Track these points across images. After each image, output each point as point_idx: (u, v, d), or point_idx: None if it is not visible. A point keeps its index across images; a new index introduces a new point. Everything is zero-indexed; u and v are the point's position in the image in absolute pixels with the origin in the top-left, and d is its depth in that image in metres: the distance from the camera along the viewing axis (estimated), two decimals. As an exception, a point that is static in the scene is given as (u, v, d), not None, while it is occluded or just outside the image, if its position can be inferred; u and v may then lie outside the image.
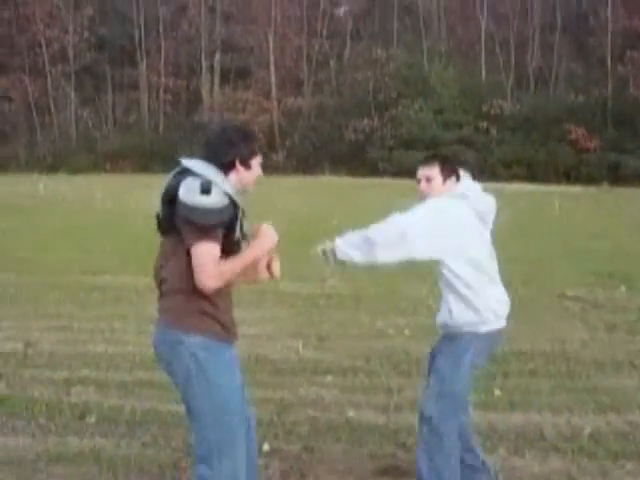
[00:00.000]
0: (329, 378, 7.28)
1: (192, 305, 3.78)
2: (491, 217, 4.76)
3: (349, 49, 62.77)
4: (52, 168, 53.85)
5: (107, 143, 58.12)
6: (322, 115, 58.69)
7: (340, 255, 4.44)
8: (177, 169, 3.82)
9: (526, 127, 54.71)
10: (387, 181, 46.72)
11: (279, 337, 8.89)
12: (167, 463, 5.27)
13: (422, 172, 4.65)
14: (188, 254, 3.70)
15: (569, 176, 52.08)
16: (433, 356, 4.77)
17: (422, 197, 4.64)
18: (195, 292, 3.71)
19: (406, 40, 60.44)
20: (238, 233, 3.85)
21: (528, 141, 54.30)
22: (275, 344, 8.55)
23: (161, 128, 60.88)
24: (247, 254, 3.84)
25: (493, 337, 4.64)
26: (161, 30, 61.34)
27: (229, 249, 3.78)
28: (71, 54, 60.54)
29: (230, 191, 3.73)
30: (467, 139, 54.06)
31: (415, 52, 58.21)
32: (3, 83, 60.74)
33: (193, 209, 3.61)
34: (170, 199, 3.72)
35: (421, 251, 4.43)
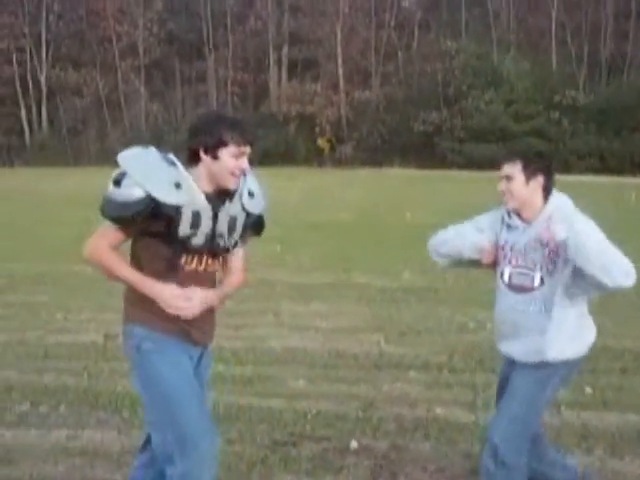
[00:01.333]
0: (412, 374, 7.10)
1: (134, 295, 3.64)
2: None
3: (417, 40, 62.24)
4: (121, 162, 54.28)
5: (177, 136, 58.42)
6: (390, 107, 58.32)
7: None
8: None
9: (599, 118, 53.68)
10: (457, 173, 46.37)
11: (358, 331, 8.74)
12: (253, 460, 5.15)
13: (503, 170, 4.09)
14: (134, 246, 3.63)
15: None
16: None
17: (503, 200, 4.13)
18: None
19: (475, 31, 59.68)
20: (187, 231, 3.53)
21: (601, 132, 53.31)
22: (355, 338, 8.40)
23: (230, 121, 61.04)
24: (142, 282, 3.55)
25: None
26: (229, 24, 61.57)
27: (180, 246, 3.56)
28: (141, 49, 61.24)
29: (153, 184, 3.42)
30: (539, 130, 53.28)
31: (484, 43, 57.49)
32: (75, 78, 61.65)
33: (104, 198, 3.49)
34: None
35: None
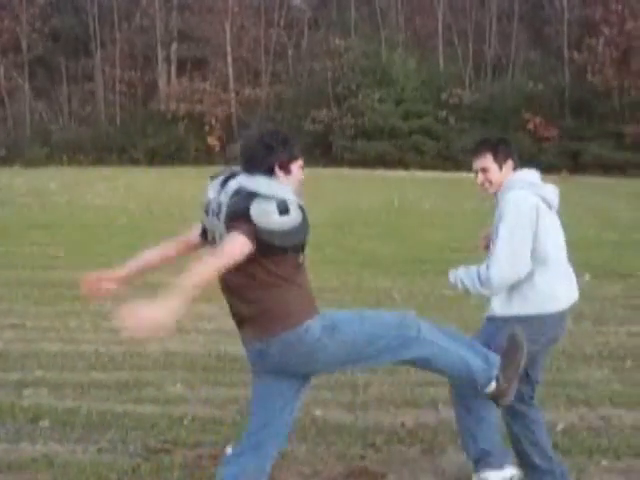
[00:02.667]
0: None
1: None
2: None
3: (307, 39, 62.41)
4: (6, 161, 52.80)
5: (63, 135, 57.12)
6: (280, 106, 58.35)
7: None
8: (231, 187, 3.65)
9: (485, 116, 54.81)
10: (349, 171, 46.63)
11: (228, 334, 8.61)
12: (125, 469, 5.00)
13: (476, 164, 4.57)
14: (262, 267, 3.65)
15: (528, 165, 52.18)
16: None
17: (483, 190, 4.59)
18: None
19: (363, 30, 60.19)
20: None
21: (487, 130, 54.41)
22: (238, 340, 8.26)
23: (117, 120, 60.06)
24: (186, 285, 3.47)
25: None
26: (115, 20, 60.50)
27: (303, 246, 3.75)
28: (24, 44, 59.51)
29: (299, 201, 3.65)
30: (427, 129, 54.11)
31: (373, 42, 58.01)
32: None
33: (273, 232, 3.53)
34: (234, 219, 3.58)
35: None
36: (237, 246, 3.51)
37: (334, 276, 12.07)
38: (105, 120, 60.04)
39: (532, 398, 4.64)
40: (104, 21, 60.67)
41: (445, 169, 48.96)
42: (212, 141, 56.11)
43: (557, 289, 4.43)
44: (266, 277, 3.65)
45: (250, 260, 3.56)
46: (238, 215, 3.55)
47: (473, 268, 4.39)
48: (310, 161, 45.08)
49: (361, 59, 55.76)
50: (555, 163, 49.15)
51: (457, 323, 8.81)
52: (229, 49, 58.58)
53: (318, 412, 6.08)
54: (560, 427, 5.75)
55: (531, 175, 4.56)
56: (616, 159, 49.52)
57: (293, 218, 3.55)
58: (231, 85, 58.79)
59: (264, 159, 3.73)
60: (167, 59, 61.36)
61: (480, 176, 4.54)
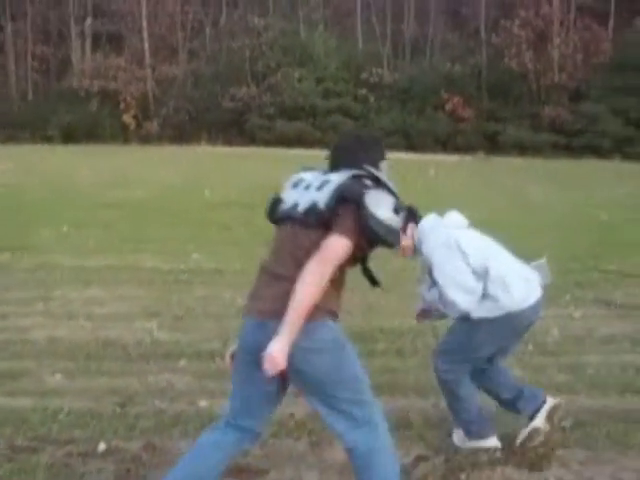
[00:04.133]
0: (182, 363, 6.69)
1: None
2: None
3: (225, 16, 61.53)
4: None
5: (-30, 109, 55.47)
6: (198, 83, 57.49)
7: None
8: (350, 172, 3.63)
9: (404, 96, 54.97)
10: (266, 150, 46.16)
11: (133, 318, 8.22)
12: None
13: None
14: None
15: (446, 145, 52.61)
16: None
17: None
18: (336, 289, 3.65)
19: (282, 8, 59.65)
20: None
21: (406, 110, 54.55)
22: (127, 326, 7.89)
23: (29, 96, 58.50)
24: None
25: None
26: (27, -7, 58.85)
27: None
28: None
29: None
30: (346, 108, 53.99)
31: (292, 21, 57.55)
32: None
33: (388, 228, 3.53)
34: (343, 199, 3.51)
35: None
36: (339, 251, 3.48)
37: (237, 257, 11.71)
38: (16, 95, 58.40)
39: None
40: (14, -7, 58.93)
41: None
42: (127, 119, 55.08)
43: (512, 291, 4.83)
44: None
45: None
46: (351, 196, 3.50)
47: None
48: (227, 139, 44.63)
49: (280, 38, 55.28)
50: (473, 143, 49.53)
51: (361, 307, 8.59)
52: (145, 24, 57.49)
53: (203, 403, 5.75)
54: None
55: (428, 223, 4.92)
56: (533, 140, 50.14)
57: (397, 221, 3.59)
58: (147, 61, 57.70)
59: (356, 161, 3.74)
60: (81, 34, 59.91)
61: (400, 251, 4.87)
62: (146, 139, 52.83)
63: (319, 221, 3.53)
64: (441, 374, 5.01)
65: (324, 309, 3.53)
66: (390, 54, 58.71)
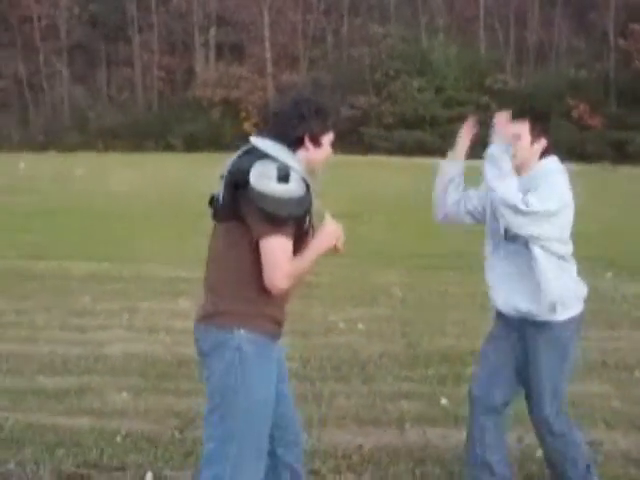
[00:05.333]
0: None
1: (254, 309, 3.35)
2: None
3: (347, 25, 61.44)
4: (44, 147, 52.93)
5: (100, 121, 57.02)
6: (317, 91, 57.52)
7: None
8: (244, 147, 3.41)
9: (528, 102, 53.68)
10: (383, 159, 45.74)
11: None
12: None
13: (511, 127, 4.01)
14: (254, 248, 3.26)
15: (572, 154, 51.00)
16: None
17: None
18: (260, 296, 3.31)
19: (403, 15, 59.19)
20: (307, 223, 3.38)
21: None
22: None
23: (155, 106, 59.83)
24: (313, 250, 3.35)
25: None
26: (153, 5, 60.10)
27: (298, 240, 3.32)
28: (62, 30, 59.46)
29: (306, 176, 3.30)
30: (468, 116, 52.96)
31: (413, 28, 57.02)
32: (-6, 60, 59.81)
33: (267, 197, 3.16)
34: (236, 183, 3.24)
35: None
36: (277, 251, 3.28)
37: (331, 269, 11.34)
38: (143, 106, 59.83)
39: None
40: (142, 6, 60.31)
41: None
42: (248, 127, 55.61)
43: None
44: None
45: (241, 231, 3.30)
46: (238, 177, 3.23)
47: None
48: (344, 147, 44.52)
49: (400, 45, 54.82)
50: (599, 152, 47.94)
51: (457, 326, 8.15)
52: (267, 34, 57.94)
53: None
54: (540, 453, 5.00)
55: (560, 163, 4.10)
56: (664, 149, 48.13)
57: (291, 189, 3.19)
58: (268, 70, 58.17)
59: (295, 128, 3.37)
60: (205, 44, 60.95)
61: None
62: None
63: (225, 216, 3.34)
64: (556, 427, 4.13)
65: (239, 318, 3.33)
66: (513, 60, 57.50)
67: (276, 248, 3.20)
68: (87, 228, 16.06)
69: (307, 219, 3.35)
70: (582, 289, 4.08)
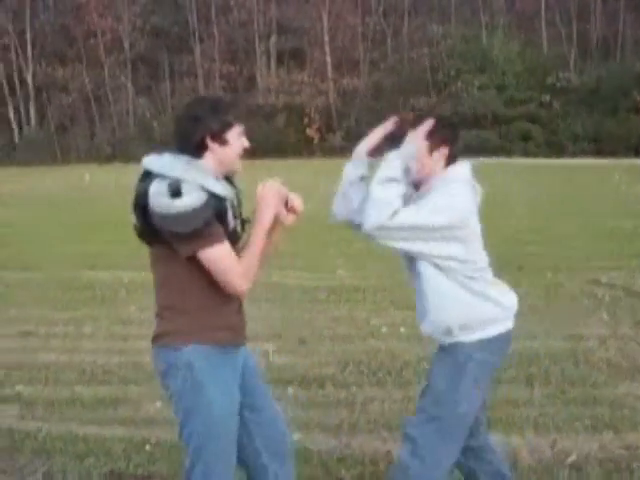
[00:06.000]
0: (291, 390, 6.34)
1: (198, 323, 3.31)
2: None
3: (407, 26, 61.17)
4: (110, 158, 53.89)
5: (164, 131, 57.75)
6: (379, 94, 57.44)
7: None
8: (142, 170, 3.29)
9: (591, 99, 52.77)
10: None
11: (254, 339, 7.93)
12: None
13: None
14: (185, 264, 3.21)
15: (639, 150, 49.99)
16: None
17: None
18: (203, 309, 3.29)
19: (463, 15, 58.74)
20: (233, 223, 3.31)
21: (595, 114, 52.35)
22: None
23: (218, 114, 60.37)
24: (256, 230, 3.31)
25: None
26: (213, 15, 60.69)
27: (229, 241, 3.26)
28: (126, 43, 60.46)
29: (206, 181, 3.16)
30: (531, 115, 52.43)
31: (473, 27, 56.51)
32: (61, 74, 60.98)
33: (168, 217, 3.09)
34: (143, 207, 3.17)
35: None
36: (220, 259, 3.26)
37: (382, 274, 11.26)
38: (206, 115, 60.42)
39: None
40: (202, 16, 60.96)
41: (549, 156, 47.30)
42: (311, 132, 55.85)
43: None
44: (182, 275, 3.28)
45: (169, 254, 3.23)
46: (141, 202, 3.18)
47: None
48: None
49: (460, 44, 54.40)
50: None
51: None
52: (326, 38, 58.06)
53: (297, 436, 5.35)
54: (571, 459, 4.88)
55: (466, 171, 3.69)
56: None
57: (186, 202, 3.06)
58: (329, 75, 58.26)
59: (193, 132, 3.26)
60: (266, 52, 61.32)
61: None
62: (329, 152, 53.26)
63: (149, 240, 3.29)
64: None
65: (184, 335, 3.30)
66: (577, 56, 56.59)
67: (216, 257, 3.17)
68: (128, 237, 16.18)
69: (228, 222, 3.28)
70: (497, 310, 3.67)
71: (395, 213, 3.39)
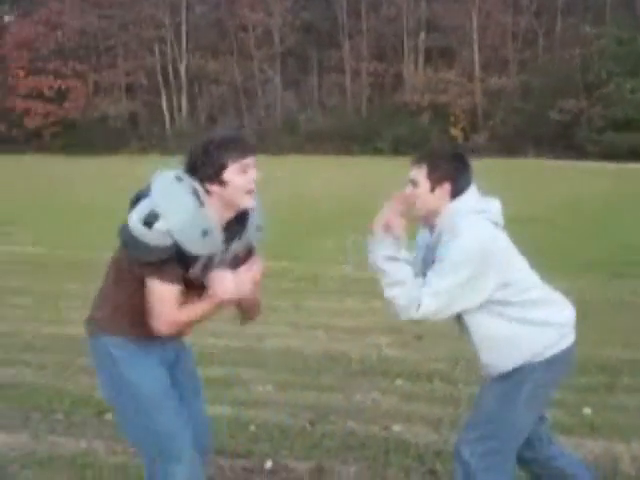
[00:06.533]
0: (398, 382, 6.42)
1: (118, 315, 3.39)
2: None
3: (560, 26, 59.76)
4: (257, 150, 55.00)
5: (310, 125, 58.60)
6: (527, 95, 56.34)
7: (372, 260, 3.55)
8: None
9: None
10: (594, 165, 44.14)
11: (373, 332, 8.06)
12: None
13: (410, 173, 3.63)
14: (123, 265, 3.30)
15: None
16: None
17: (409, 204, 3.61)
18: (131, 312, 3.33)
19: (619, 15, 56.83)
20: (197, 274, 3.28)
21: None
22: (362, 340, 7.75)
23: (363, 110, 60.64)
24: (208, 302, 3.26)
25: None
26: (363, 11, 60.95)
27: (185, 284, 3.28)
28: (276, 37, 61.46)
29: (179, 233, 3.10)
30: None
31: (629, 29, 54.57)
32: (213, 67, 62.55)
33: (132, 238, 3.13)
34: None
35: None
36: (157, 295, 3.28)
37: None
38: (351, 110, 60.79)
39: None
40: (352, 12, 61.29)
41: None
42: (455, 132, 55.39)
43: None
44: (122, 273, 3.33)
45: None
46: (132, 203, 3.24)
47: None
48: (554, 152, 43.14)
49: (613, 46, 52.67)
50: None
51: (624, 335, 7.83)
52: (475, 37, 57.41)
53: (397, 427, 5.43)
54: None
55: (473, 198, 3.63)
56: None
57: (151, 236, 3.08)
58: (477, 74, 57.61)
59: (195, 177, 3.23)
60: (414, 49, 61.14)
61: (409, 188, 3.62)
62: (473, 151, 52.70)
63: None
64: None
65: (103, 324, 3.38)
66: None
67: (155, 293, 3.19)
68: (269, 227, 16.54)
69: (193, 268, 3.25)
70: (551, 332, 3.60)
71: (419, 303, 3.40)
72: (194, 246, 3.14)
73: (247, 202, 3.28)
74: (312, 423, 5.47)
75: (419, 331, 8.03)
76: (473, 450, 3.59)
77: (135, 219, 3.09)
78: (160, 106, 64.13)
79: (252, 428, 5.39)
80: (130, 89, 64.70)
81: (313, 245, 14.39)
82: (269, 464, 4.79)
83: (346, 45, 61.44)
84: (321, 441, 5.17)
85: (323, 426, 5.42)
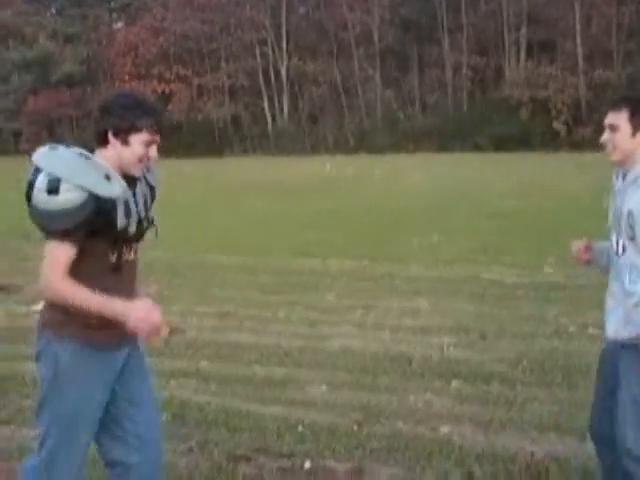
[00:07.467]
0: (455, 384, 6.37)
1: (69, 318, 3.30)
2: None
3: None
4: (356, 149, 55.06)
5: (410, 123, 58.25)
6: (633, 87, 54.64)
7: None
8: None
9: (625, 91, 47.61)
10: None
11: (437, 332, 8.00)
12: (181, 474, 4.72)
13: (607, 118, 3.63)
14: (76, 261, 3.22)
15: None
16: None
17: (607, 150, 3.64)
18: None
19: None
20: (123, 222, 3.25)
21: None
22: (426, 340, 7.71)
23: (464, 106, 59.93)
24: (105, 306, 3.20)
25: None
26: (462, 7, 60.20)
27: (116, 239, 3.27)
28: (375, 35, 61.29)
29: (87, 181, 3.11)
30: None
31: None
32: (312, 68, 62.84)
33: (41, 212, 3.13)
34: (29, 199, 3.20)
35: None
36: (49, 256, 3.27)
37: (577, 270, 10.89)
38: (452, 107, 60.19)
39: None
40: (451, 7, 60.64)
41: None
42: (557, 126, 54.18)
43: None
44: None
45: None
46: (27, 194, 3.18)
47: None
48: None
49: None
50: None
51: None
52: (578, 28, 56.02)
53: (445, 429, 5.40)
54: None
55: None
56: None
57: (61, 200, 3.07)
58: (580, 67, 56.24)
59: (99, 122, 3.29)
60: (515, 43, 60.09)
61: (606, 134, 3.61)
62: (578, 146, 51.50)
63: None
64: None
65: (54, 328, 3.32)
66: None
67: (50, 255, 3.18)
68: (350, 226, 16.65)
69: (116, 221, 3.22)
70: None
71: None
72: (105, 188, 3.12)
73: (135, 171, 3.31)
74: (359, 424, 5.49)
75: (484, 331, 7.95)
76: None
77: (38, 194, 3.10)
78: (262, 108, 64.75)
79: (300, 428, 5.44)
80: (232, 92, 65.52)
81: (401, 242, 14.33)
82: (307, 464, 4.82)
83: (446, 40, 60.82)
84: (366, 442, 5.18)
85: (370, 427, 5.43)
